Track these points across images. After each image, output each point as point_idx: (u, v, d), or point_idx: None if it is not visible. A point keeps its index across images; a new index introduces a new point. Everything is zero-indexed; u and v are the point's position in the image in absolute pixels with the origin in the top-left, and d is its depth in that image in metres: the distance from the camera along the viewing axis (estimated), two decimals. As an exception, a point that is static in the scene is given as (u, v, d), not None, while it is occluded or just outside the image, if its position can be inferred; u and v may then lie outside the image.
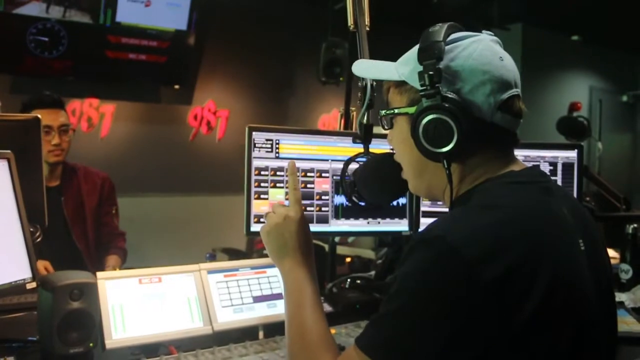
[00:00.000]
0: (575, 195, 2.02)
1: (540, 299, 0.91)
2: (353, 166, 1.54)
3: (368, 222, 1.89)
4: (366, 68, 1.27)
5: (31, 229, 1.50)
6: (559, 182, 2.02)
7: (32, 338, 1.55)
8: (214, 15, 5.07)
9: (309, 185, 1.82)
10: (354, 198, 1.45)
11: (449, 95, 1.02)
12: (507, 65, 1.06)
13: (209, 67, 5.24)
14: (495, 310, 0.88)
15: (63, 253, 2.48)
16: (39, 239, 1.67)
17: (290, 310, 1.19)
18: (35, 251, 1.47)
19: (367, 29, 1.61)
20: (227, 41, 5.27)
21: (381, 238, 2.53)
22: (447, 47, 1.04)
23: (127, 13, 4.53)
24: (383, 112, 1.16)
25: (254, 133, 1.77)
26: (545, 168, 2.02)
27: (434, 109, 1.03)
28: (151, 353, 1.47)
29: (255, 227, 1.75)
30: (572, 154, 2.04)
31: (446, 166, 1.06)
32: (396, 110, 1.12)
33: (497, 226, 0.95)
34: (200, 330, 1.55)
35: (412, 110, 1.08)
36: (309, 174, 1.82)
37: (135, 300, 1.51)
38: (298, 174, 1.80)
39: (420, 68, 1.04)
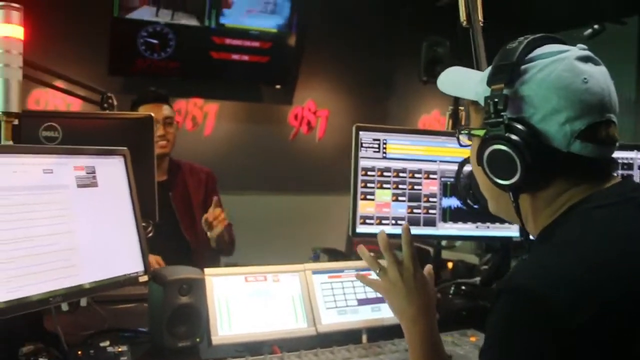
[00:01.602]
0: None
1: None
2: (467, 168, 1.47)
3: (477, 227, 1.81)
4: (446, 81, 1.16)
5: (143, 224, 1.54)
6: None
7: (141, 329, 1.60)
8: (314, 16, 5.09)
9: (416, 187, 1.76)
10: (468, 201, 1.39)
11: (515, 125, 0.94)
12: (592, 88, 0.93)
13: (309, 67, 5.27)
14: (593, 354, 0.80)
15: (173, 247, 2.54)
16: (150, 234, 1.72)
17: None
18: (147, 246, 1.51)
19: (481, 24, 1.53)
20: (326, 41, 5.28)
21: (488, 243, 2.42)
22: (522, 67, 0.95)
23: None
24: (460, 129, 1.10)
25: (361, 132, 1.74)
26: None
27: (497, 139, 0.96)
28: (255, 351, 1.46)
29: (361, 229, 1.72)
30: None
31: (512, 199, 0.99)
32: (471, 131, 1.06)
33: (582, 266, 0.85)
34: (305, 331, 1.53)
35: (482, 133, 1.01)
36: (416, 175, 1.76)
37: (240, 298, 1.51)
38: (405, 174, 1.76)
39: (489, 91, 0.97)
